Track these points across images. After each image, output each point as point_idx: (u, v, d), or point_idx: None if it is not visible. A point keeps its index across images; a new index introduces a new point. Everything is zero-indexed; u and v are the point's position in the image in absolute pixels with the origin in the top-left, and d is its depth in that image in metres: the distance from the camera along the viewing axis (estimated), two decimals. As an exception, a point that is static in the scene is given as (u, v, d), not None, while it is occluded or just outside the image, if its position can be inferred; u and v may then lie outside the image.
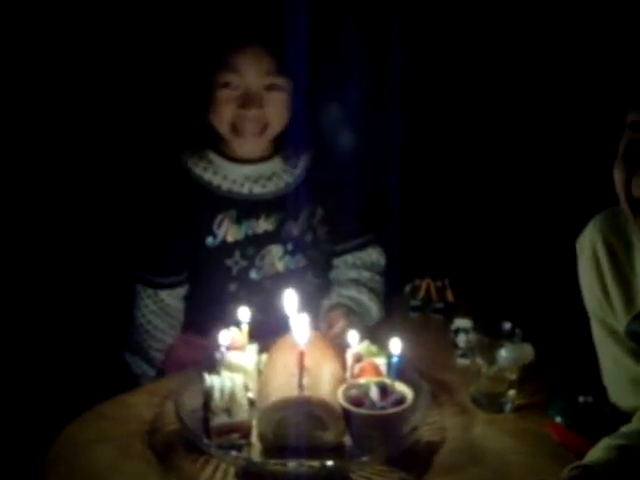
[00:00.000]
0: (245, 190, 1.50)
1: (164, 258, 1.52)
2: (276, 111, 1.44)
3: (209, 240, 1.48)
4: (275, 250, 1.50)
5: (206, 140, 1.51)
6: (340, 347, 1.22)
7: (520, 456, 1.10)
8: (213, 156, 1.51)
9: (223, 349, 1.18)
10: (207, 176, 1.49)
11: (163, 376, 1.49)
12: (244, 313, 1.26)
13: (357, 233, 1.59)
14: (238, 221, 1.48)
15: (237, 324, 1.25)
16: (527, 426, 1.17)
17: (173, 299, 1.53)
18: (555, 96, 1.95)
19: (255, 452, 1.08)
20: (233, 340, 1.22)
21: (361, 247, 1.59)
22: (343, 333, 1.25)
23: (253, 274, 1.50)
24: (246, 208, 1.49)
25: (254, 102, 1.41)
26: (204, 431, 1.09)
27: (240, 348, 1.23)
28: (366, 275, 1.57)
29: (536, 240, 1.94)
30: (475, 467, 1.08)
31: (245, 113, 1.42)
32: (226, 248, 1.48)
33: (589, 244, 1.13)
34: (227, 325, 1.23)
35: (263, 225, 1.50)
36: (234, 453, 1.05)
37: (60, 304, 1.85)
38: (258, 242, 1.49)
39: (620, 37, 1.74)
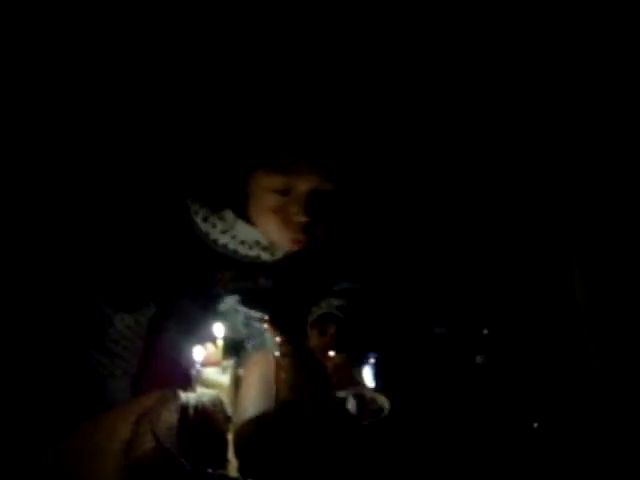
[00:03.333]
0: (252, 254, 1.42)
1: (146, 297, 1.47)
2: (322, 218, 1.33)
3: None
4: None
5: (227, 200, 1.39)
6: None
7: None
8: (228, 214, 1.40)
9: (198, 366, 1.18)
10: (214, 234, 1.40)
11: (139, 393, 1.48)
12: (219, 329, 1.26)
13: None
14: (236, 279, 1.44)
15: (212, 340, 1.25)
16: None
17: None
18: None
19: (231, 469, 1.07)
20: (208, 356, 1.22)
21: None
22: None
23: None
24: (247, 269, 1.44)
25: (302, 210, 1.29)
26: (180, 448, 1.08)
27: (215, 364, 1.23)
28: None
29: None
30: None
31: (293, 220, 1.31)
32: (217, 295, 1.44)
33: None
34: (202, 341, 1.22)
35: (261, 284, 1.46)
36: (210, 470, 1.05)
37: (34, 326, 1.82)
38: (251, 295, 1.45)
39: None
